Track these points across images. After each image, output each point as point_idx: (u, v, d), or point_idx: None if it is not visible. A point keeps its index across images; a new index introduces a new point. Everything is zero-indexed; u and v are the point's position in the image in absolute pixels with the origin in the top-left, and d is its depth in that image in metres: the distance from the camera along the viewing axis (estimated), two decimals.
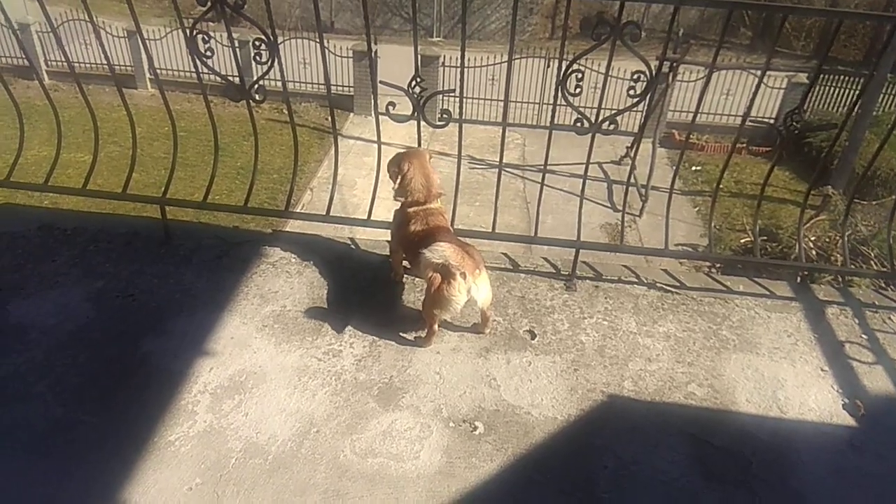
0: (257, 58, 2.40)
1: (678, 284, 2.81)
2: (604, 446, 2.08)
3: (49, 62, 15.60)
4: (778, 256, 8.92)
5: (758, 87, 2.73)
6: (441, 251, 2.17)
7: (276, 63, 2.42)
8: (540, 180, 3.04)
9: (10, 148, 3.03)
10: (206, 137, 11.49)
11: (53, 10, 2.88)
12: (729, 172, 12.36)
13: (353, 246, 2.92)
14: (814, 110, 14.44)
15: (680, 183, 12.60)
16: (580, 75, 2.39)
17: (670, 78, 11.31)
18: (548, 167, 2.94)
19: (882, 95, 12.99)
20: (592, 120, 2.46)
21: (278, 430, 2.06)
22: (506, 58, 2.60)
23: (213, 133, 2.88)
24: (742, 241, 10.35)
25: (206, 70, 2.48)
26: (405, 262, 2.65)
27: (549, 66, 13.92)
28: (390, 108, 2.53)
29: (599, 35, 2.25)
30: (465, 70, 2.60)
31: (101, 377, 2.21)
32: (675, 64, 10.78)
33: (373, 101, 2.75)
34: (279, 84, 2.63)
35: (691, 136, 13.61)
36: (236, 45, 2.49)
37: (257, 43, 2.39)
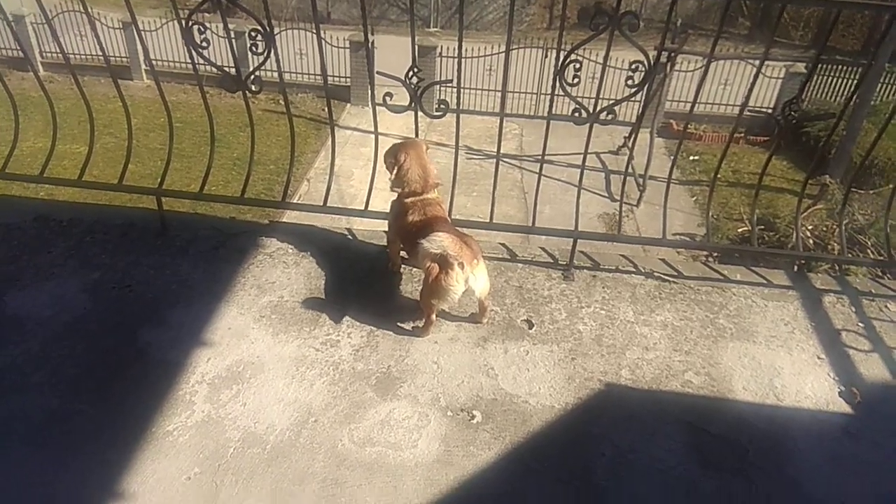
0: (253, 48, 2.39)
1: (675, 274, 2.81)
2: (601, 435, 2.08)
3: (44, 53, 15.52)
4: (775, 245, 8.95)
5: (756, 76, 2.72)
6: (439, 241, 2.17)
7: (272, 54, 2.41)
8: (538, 170, 3.03)
9: (5, 139, 3.02)
10: (202, 128, 11.47)
11: (48, 1, 2.86)
12: (727, 162, 12.39)
13: (350, 236, 2.92)
14: (812, 100, 14.42)
15: (678, 172, 12.61)
16: (578, 65, 2.38)
17: (668, 68, 11.30)
18: (545, 157, 2.94)
19: (880, 85, 12.97)
20: (590, 110, 2.45)
21: (276, 420, 2.07)
22: (503, 48, 2.59)
23: (209, 124, 2.87)
24: (739, 230, 10.38)
25: (202, 61, 2.47)
26: (403, 253, 2.65)
27: (546, 57, 13.88)
28: (387, 98, 2.52)
29: (597, 25, 2.23)
30: (463, 60, 2.58)
31: (97, 368, 2.20)
32: (673, 54, 10.75)
33: (370, 92, 2.74)
34: (275, 75, 2.62)
35: (689, 125, 13.60)
36: (232, 35, 2.48)
37: (253, 33, 2.37)
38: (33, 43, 15.16)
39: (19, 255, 2.68)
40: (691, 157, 13.45)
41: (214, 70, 2.52)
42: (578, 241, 2.79)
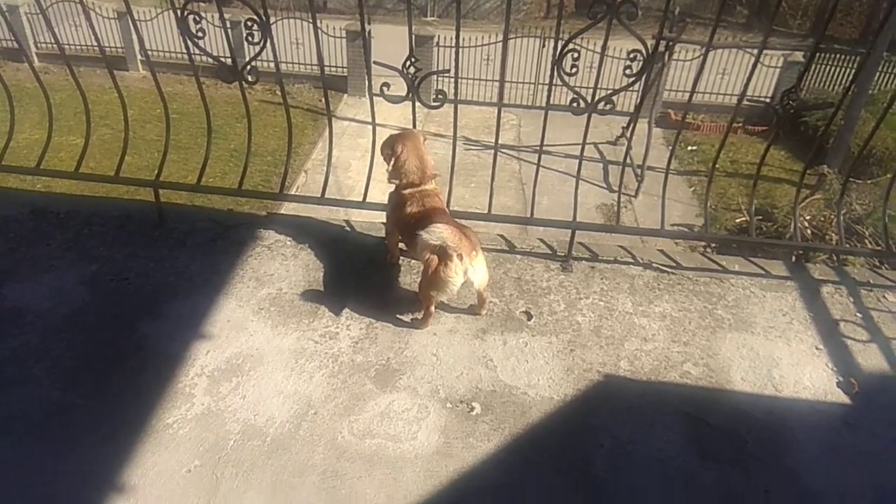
0: (249, 38, 2.37)
1: (674, 264, 2.81)
2: (600, 426, 2.09)
3: (39, 44, 15.42)
4: (773, 236, 8.96)
5: (754, 66, 2.71)
6: (438, 233, 2.16)
7: (268, 43, 2.39)
8: (536, 161, 3.02)
9: (0, 131, 3.00)
10: (198, 120, 11.39)
11: None
12: (725, 152, 12.40)
13: (348, 228, 2.91)
14: (810, 89, 14.40)
15: (676, 163, 12.58)
16: (576, 55, 2.36)
17: (666, 57, 11.26)
18: (544, 148, 2.93)
19: (878, 74, 12.93)
20: (589, 100, 2.44)
21: (276, 412, 2.07)
22: (501, 37, 2.58)
23: (205, 115, 2.85)
24: (738, 220, 10.38)
25: (197, 51, 2.45)
26: (401, 245, 2.65)
27: (544, 46, 13.80)
28: (384, 88, 2.50)
29: (595, 14, 2.22)
30: (460, 50, 2.57)
31: (96, 360, 2.20)
32: (671, 43, 10.71)
33: (367, 82, 2.72)
34: (272, 65, 2.60)
35: (687, 115, 13.58)
36: (228, 25, 2.46)
37: (249, 23, 2.35)
38: (28, 33, 15.08)
39: (17, 247, 2.67)
40: (689, 147, 13.43)
41: (210, 60, 2.50)
42: (577, 232, 2.78)
